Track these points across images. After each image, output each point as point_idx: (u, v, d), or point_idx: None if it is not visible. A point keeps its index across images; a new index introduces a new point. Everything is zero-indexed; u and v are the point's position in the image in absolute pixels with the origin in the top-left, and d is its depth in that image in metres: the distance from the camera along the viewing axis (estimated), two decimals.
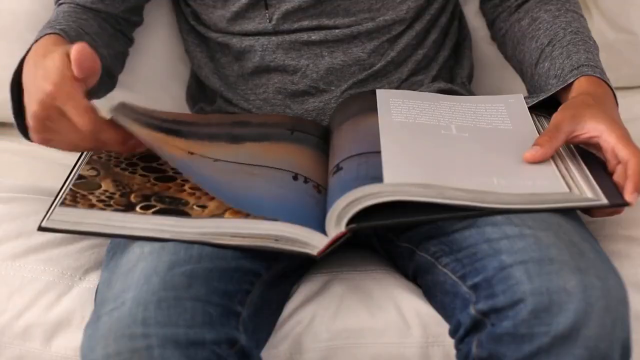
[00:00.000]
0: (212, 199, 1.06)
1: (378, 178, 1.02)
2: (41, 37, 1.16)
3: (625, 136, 1.08)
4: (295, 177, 1.11)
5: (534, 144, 1.08)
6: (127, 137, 1.06)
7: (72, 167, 1.15)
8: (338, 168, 1.08)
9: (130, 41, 1.37)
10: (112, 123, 1.05)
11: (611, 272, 1.00)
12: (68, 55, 1.05)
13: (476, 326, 1.01)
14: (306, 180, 1.10)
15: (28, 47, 1.16)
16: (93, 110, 1.04)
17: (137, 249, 1.04)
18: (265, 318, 1.08)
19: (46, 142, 1.08)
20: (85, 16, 1.27)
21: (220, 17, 1.30)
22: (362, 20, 1.28)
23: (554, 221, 1.03)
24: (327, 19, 1.28)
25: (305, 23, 1.27)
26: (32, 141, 1.11)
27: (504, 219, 1.03)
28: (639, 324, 1.09)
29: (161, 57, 1.46)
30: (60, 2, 1.31)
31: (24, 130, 1.14)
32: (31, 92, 1.06)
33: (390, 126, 1.15)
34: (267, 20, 1.28)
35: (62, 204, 1.05)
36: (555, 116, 1.11)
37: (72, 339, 1.12)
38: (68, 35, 1.18)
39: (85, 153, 1.17)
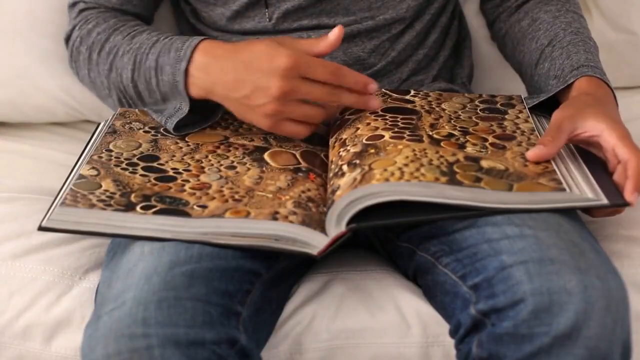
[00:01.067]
0: (213, 199, 1.06)
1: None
2: (195, 46, 1.14)
3: (625, 136, 1.08)
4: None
5: (538, 143, 1.08)
6: (364, 81, 1.11)
7: (72, 167, 1.15)
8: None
9: None
10: (348, 69, 1.10)
11: (611, 272, 1.00)
12: (272, 39, 1.10)
13: (476, 326, 1.01)
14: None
15: (29, 45, 1.15)
16: (329, 62, 1.09)
17: (137, 248, 1.04)
18: (266, 318, 1.08)
19: (282, 123, 1.11)
20: (129, 18, 1.28)
21: (220, 15, 1.30)
22: (362, 19, 1.28)
23: (554, 221, 1.03)
24: (327, 18, 1.28)
25: (305, 22, 1.27)
26: (179, 133, 1.16)
27: (504, 219, 1.03)
28: (639, 324, 1.09)
29: None
30: (81, 7, 1.29)
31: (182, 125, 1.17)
32: (256, 78, 1.08)
33: None
34: (267, 19, 1.28)
35: (62, 204, 1.05)
36: (556, 115, 1.11)
37: (72, 339, 1.12)
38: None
39: (85, 152, 1.17)
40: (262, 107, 1.09)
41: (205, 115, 1.19)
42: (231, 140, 1.16)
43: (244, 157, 1.13)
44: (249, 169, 1.11)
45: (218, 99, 1.13)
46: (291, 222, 1.02)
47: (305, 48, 1.11)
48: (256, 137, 1.17)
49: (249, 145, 1.15)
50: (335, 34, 1.11)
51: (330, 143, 1.18)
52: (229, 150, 1.15)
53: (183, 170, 1.11)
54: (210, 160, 1.13)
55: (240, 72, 1.10)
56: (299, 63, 1.07)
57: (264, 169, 1.11)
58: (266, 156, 1.13)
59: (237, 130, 1.18)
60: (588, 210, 1.11)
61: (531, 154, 1.08)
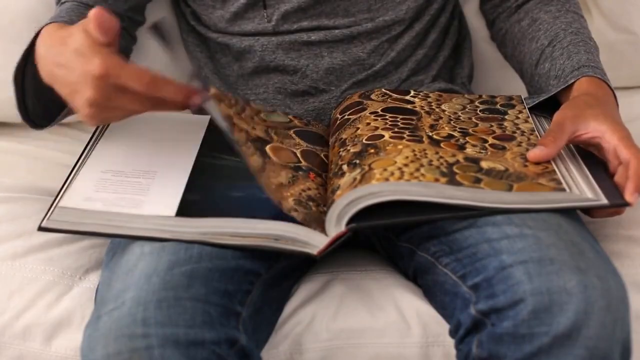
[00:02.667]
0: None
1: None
2: (42, 27, 1.13)
3: (626, 137, 1.08)
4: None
5: (539, 144, 1.09)
6: (187, 90, 1.02)
7: (72, 167, 1.15)
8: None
9: (133, 39, 1.37)
10: (167, 78, 1.02)
11: (611, 272, 1.00)
12: (86, 32, 1.02)
13: (476, 326, 1.01)
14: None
15: (28, 43, 1.15)
16: (146, 70, 1.01)
17: (137, 249, 1.04)
18: (266, 318, 1.08)
19: (104, 121, 1.07)
20: (87, 12, 1.26)
21: (220, 17, 1.30)
22: (362, 21, 1.28)
23: (554, 221, 1.03)
24: (327, 19, 1.28)
25: (305, 23, 1.27)
26: (39, 129, 1.13)
27: (504, 219, 1.03)
28: (639, 324, 1.09)
29: (161, 57, 1.45)
30: (62, 0, 1.30)
31: (30, 120, 1.15)
32: (71, 81, 1.03)
33: None
34: (267, 21, 1.28)
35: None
36: (558, 116, 1.11)
37: (72, 339, 1.12)
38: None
39: (85, 153, 1.17)
40: (81, 109, 1.03)
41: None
42: (235, 121, 1.14)
43: (247, 142, 1.12)
44: (253, 153, 1.10)
45: (52, 85, 1.08)
46: (293, 217, 1.02)
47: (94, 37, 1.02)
48: (258, 127, 1.16)
49: (252, 132, 1.15)
50: (92, 13, 1.03)
51: (330, 143, 1.18)
52: (233, 131, 1.13)
53: None
54: None
55: (61, 69, 1.05)
56: (109, 73, 1.00)
57: (266, 160, 1.11)
58: (268, 149, 1.13)
59: (239, 114, 1.16)
60: (588, 210, 1.11)
61: (532, 154, 1.08)
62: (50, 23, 1.14)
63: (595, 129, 1.09)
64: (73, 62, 1.02)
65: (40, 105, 1.17)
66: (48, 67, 1.07)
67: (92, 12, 1.01)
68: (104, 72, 0.99)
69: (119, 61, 1.00)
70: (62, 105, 1.14)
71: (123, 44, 1.32)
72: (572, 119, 1.10)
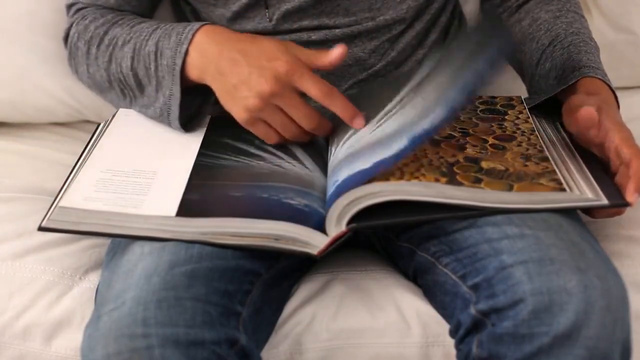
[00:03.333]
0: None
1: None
2: (196, 31, 1.16)
3: (628, 137, 1.08)
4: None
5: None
6: (354, 110, 1.12)
7: (72, 167, 1.15)
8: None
9: None
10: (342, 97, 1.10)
11: (611, 272, 1.00)
12: (284, 42, 1.11)
13: (476, 326, 1.01)
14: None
15: (29, 45, 1.15)
16: (325, 82, 1.09)
17: (137, 248, 1.04)
18: (266, 318, 1.08)
19: (257, 121, 1.12)
20: (127, 15, 1.28)
21: (220, 16, 1.30)
22: (362, 20, 1.28)
23: (554, 221, 1.03)
24: (327, 18, 1.27)
25: (306, 23, 1.27)
26: (183, 129, 1.18)
27: (504, 219, 1.03)
28: (639, 324, 1.09)
29: None
30: (78, 7, 1.30)
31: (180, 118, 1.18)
32: (245, 72, 1.09)
33: None
34: (267, 20, 1.27)
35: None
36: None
37: (72, 339, 1.12)
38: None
39: (85, 153, 1.17)
40: (245, 100, 1.10)
41: (199, 102, 1.21)
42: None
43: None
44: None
45: (208, 80, 1.14)
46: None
47: (306, 57, 1.12)
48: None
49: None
50: (338, 51, 1.12)
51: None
52: None
53: None
54: None
55: (237, 60, 1.11)
56: (294, 71, 1.08)
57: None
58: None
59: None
60: (588, 210, 1.11)
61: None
62: (205, 25, 1.17)
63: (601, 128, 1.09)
64: (258, 56, 1.10)
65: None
66: (213, 59, 1.13)
67: (341, 50, 1.12)
68: (289, 69, 1.08)
69: (303, 65, 1.09)
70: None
71: None
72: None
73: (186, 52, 1.15)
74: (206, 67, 1.14)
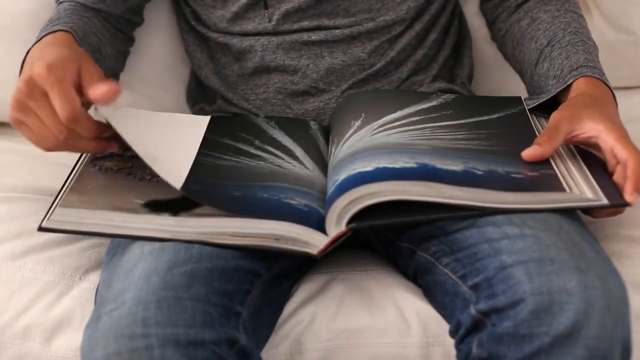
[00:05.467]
0: None
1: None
2: (49, 33, 1.16)
3: (624, 136, 1.08)
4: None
5: (534, 143, 1.09)
6: (101, 133, 1.06)
7: (72, 167, 1.15)
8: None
9: (131, 40, 1.37)
10: (89, 117, 1.05)
11: (611, 272, 1.00)
12: (79, 56, 1.06)
13: (476, 326, 1.01)
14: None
15: (29, 45, 1.16)
16: (75, 101, 1.03)
17: (137, 249, 1.04)
18: (266, 318, 1.08)
19: (19, 124, 1.07)
20: (88, 14, 1.27)
21: (220, 17, 1.30)
22: (362, 21, 1.28)
23: (554, 221, 1.03)
24: (327, 19, 1.28)
25: (305, 23, 1.27)
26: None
27: (504, 219, 1.03)
28: (639, 324, 1.09)
29: (161, 57, 1.46)
30: (60, 0, 1.30)
31: None
32: (24, 71, 1.08)
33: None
34: (267, 21, 1.28)
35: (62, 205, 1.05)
36: (554, 116, 1.11)
37: (72, 339, 1.12)
38: (77, 34, 1.18)
39: (85, 152, 1.17)
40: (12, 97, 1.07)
41: None
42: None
43: None
44: None
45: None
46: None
47: (86, 75, 1.06)
48: None
49: None
50: (108, 87, 1.05)
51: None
52: None
53: None
54: None
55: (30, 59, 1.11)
56: (46, 78, 1.03)
57: None
58: None
59: None
60: (588, 210, 1.11)
61: (526, 153, 1.08)
62: (59, 31, 1.17)
63: (591, 129, 1.09)
64: (36, 58, 1.08)
65: None
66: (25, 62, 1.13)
67: (111, 87, 1.04)
68: (43, 74, 1.03)
69: (63, 79, 1.03)
70: None
71: (120, 47, 1.33)
72: (569, 119, 1.10)
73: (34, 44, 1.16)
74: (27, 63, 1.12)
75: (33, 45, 1.16)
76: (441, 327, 1.10)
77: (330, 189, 1.06)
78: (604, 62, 1.24)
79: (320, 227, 1.03)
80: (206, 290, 0.99)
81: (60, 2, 1.30)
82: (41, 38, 1.17)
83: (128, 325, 0.95)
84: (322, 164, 1.16)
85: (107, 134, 1.06)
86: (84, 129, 1.04)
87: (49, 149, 1.07)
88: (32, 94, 1.04)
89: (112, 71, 1.29)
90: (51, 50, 1.09)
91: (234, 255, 1.03)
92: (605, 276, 0.99)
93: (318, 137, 1.22)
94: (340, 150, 1.13)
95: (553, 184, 1.05)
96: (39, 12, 1.41)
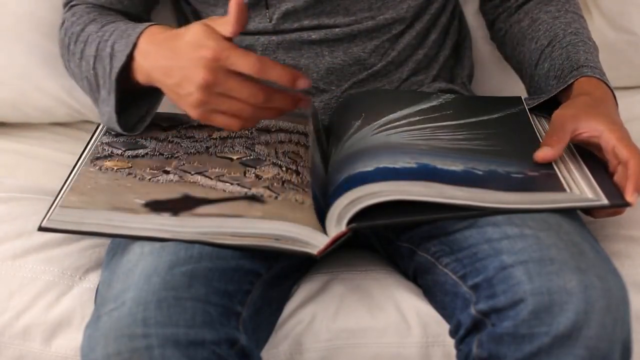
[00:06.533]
0: None
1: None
2: (140, 34, 1.14)
3: (625, 136, 1.09)
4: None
5: (543, 144, 1.08)
6: (294, 74, 1.06)
7: (72, 167, 1.15)
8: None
9: None
10: (275, 63, 1.05)
11: (611, 272, 1.00)
12: (204, 24, 1.06)
13: (476, 326, 1.01)
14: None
15: (31, 46, 1.15)
16: (254, 54, 1.04)
17: (137, 249, 1.04)
18: (266, 318, 1.08)
19: (211, 114, 1.07)
20: (112, 15, 1.27)
21: (221, 16, 1.30)
22: (363, 20, 1.28)
23: (554, 221, 1.03)
24: (327, 18, 1.27)
25: (306, 22, 1.27)
26: (133, 133, 1.17)
27: (504, 219, 1.03)
28: (639, 324, 1.09)
29: None
30: (72, 3, 1.30)
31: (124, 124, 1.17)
32: (181, 67, 1.06)
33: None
34: (268, 20, 1.28)
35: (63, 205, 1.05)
36: (557, 116, 1.11)
37: (72, 339, 1.12)
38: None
39: (85, 152, 1.17)
40: (190, 97, 1.07)
41: (148, 107, 1.19)
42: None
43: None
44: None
45: (156, 83, 1.12)
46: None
47: (223, 27, 1.06)
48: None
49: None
50: (232, 6, 1.05)
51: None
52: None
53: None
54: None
55: (171, 59, 1.09)
56: (220, 55, 1.04)
57: None
58: None
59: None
60: (588, 210, 1.11)
61: (539, 155, 1.08)
62: (151, 26, 1.15)
63: (593, 129, 1.09)
64: (185, 49, 1.06)
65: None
66: (154, 61, 1.11)
67: (235, 1, 1.04)
68: (217, 54, 1.04)
69: (230, 44, 1.04)
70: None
71: None
72: (572, 118, 1.10)
73: (133, 57, 1.14)
74: (150, 72, 1.12)
75: (132, 44, 1.14)
76: (441, 327, 1.10)
77: (331, 188, 1.06)
78: (604, 62, 1.24)
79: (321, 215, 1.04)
80: (206, 290, 0.99)
81: (72, 6, 1.29)
82: (133, 46, 1.14)
83: (128, 325, 0.95)
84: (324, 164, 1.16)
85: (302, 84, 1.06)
86: (275, 73, 1.04)
87: (245, 124, 1.08)
88: (217, 79, 1.04)
89: None
90: (177, 37, 1.08)
91: (234, 255, 1.03)
92: (606, 276, 0.99)
93: (320, 136, 1.22)
94: (341, 150, 1.13)
95: (553, 184, 1.05)
96: (39, 12, 1.41)
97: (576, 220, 1.08)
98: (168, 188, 1.09)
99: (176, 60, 1.08)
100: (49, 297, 1.15)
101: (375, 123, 1.17)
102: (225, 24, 1.06)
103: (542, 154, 1.08)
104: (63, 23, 1.29)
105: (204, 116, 1.08)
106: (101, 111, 1.19)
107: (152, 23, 1.16)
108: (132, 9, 1.31)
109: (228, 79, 1.04)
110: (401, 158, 1.07)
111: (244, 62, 1.04)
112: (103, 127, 1.23)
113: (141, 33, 1.14)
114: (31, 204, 1.26)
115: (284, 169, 1.13)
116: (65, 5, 1.32)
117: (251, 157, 1.15)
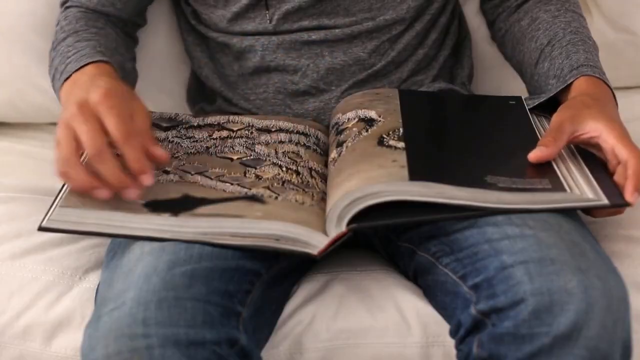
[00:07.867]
0: None
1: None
2: (89, 63, 1.16)
3: (624, 136, 1.09)
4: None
5: (539, 145, 1.09)
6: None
7: None
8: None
9: (135, 42, 1.37)
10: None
11: (612, 272, 1.00)
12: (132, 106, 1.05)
13: (477, 326, 1.01)
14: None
15: (31, 47, 1.16)
16: (128, 130, 1.02)
17: (137, 249, 1.04)
18: (266, 318, 1.08)
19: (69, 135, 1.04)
20: (101, 23, 1.27)
21: (221, 17, 1.30)
22: (362, 20, 1.28)
23: (554, 221, 1.03)
24: (327, 18, 1.28)
25: (306, 23, 1.27)
26: None
27: (504, 219, 1.03)
28: (639, 324, 1.09)
29: (161, 57, 1.46)
30: (67, 5, 1.30)
31: None
32: (74, 96, 1.07)
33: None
34: (268, 20, 1.28)
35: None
36: (556, 116, 1.11)
37: (72, 339, 1.12)
38: (112, 63, 1.18)
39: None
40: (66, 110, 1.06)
41: None
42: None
43: None
44: None
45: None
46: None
47: (143, 123, 1.05)
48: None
49: None
50: (161, 153, 1.04)
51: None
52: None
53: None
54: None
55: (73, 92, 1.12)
56: (103, 103, 1.02)
57: None
58: None
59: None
60: (588, 210, 1.11)
61: (533, 155, 1.08)
62: (97, 62, 1.16)
63: (592, 129, 1.09)
64: (88, 85, 1.07)
65: None
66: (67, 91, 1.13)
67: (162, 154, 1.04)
68: (100, 100, 1.02)
69: (123, 111, 1.02)
70: None
71: (132, 54, 1.33)
72: (571, 119, 1.10)
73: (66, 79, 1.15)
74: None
75: (69, 74, 1.15)
76: (441, 327, 1.10)
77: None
78: (604, 62, 1.24)
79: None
80: (206, 290, 0.99)
81: (67, 7, 1.30)
82: (82, 66, 1.15)
83: (128, 325, 0.95)
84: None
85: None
86: (132, 154, 1.01)
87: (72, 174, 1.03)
88: (83, 114, 1.02)
89: (132, 84, 1.29)
90: (103, 80, 1.09)
91: (234, 255, 1.03)
92: (606, 276, 0.99)
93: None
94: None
95: (554, 184, 1.05)
96: (39, 12, 1.41)
97: (576, 220, 1.08)
98: (168, 188, 1.09)
99: (77, 92, 1.08)
100: (49, 297, 1.15)
101: None
102: (145, 118, 1.05)
103: (536, 154, 1.08)
104: (58, 23, 1.29)
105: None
106: None
107: (97, 59, 1.16)
108: (123, 13, 1.31)
109: (92, 119, 1.02)
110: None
111: (112, 120, 1.01)
112: None
113: (85, 65, 1.15)
114: (31, 204, 1.26)
115: (284, 169, 1.13)
116: (62, 5, 1.32)
117: (251, 157, 1.15)
